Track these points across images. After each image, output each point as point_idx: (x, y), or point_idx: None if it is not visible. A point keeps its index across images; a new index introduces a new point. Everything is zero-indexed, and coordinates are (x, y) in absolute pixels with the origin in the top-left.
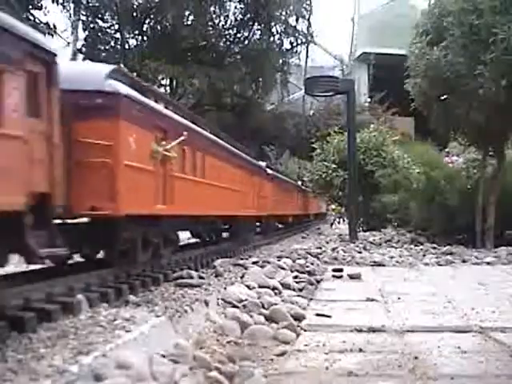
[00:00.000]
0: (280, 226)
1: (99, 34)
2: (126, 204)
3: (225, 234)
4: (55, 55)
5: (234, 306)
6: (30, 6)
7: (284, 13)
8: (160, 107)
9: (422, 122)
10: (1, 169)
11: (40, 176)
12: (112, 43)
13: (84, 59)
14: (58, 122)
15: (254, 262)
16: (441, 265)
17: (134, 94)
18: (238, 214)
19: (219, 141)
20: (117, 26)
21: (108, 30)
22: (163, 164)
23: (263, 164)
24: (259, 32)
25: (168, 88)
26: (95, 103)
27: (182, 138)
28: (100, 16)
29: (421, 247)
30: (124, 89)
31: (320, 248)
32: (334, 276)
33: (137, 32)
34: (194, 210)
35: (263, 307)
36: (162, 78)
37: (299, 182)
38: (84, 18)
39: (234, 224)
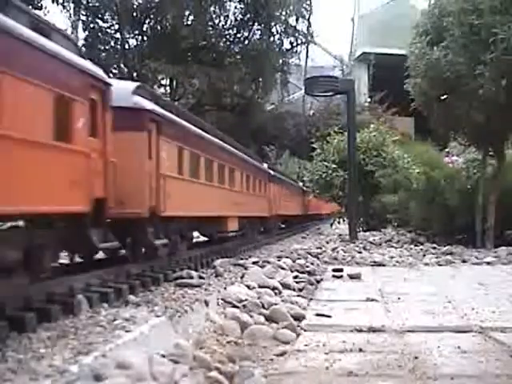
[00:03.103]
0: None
1: (99, 34)
2: None
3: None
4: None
5: (234, 306)
6: (30, 6)
7: (284, 13)
8: None
9: (422, 122)
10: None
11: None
12: (112, 43)
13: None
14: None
15: (254, 262)
16: (441, 265)
17: None
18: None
19: None
20: (117, 26)
21: (108, 30)
22: None
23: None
24: (259, 32)
25: (168, 88)
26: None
27: None
28: (100, 16)
29: (421, 247)
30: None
31: (320, 248)
32: (334, 276)
33: (137, 32)
34: None
35: (263, 307)
36: (162, 78)
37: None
38: (84, 18)
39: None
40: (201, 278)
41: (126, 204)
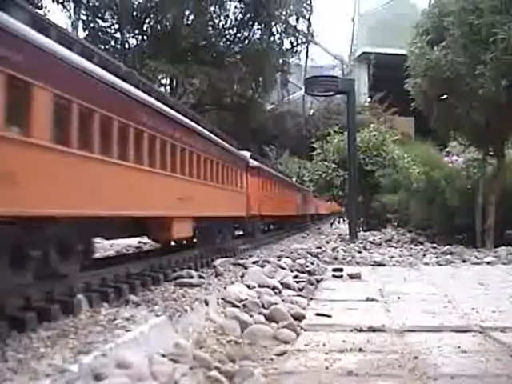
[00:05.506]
0: None
1: (99, 33)
2: None
3: None
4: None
5: (234, 306)
6: (30, 6)
7: (284, 12)
8: None
9: (422, 122)
10: None
11: None
12: (112, 43)
13: None
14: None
15: (254, 262)
16: (441, 264)
17: None
18: None
19: None
20: (117, 26)
21: (108, 30)
22: None
23: None
24: (259, 32)
25: (168, 88)
26: None
27: None
28: (100, 16)
29: (421, 247)
30: None
31: (320, 248)
32: (334, 276)
33: (137, 32)
34: None
35: (263, 307)
36: (162, 78)
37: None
38: (84, 17)
39: None
40: (201, 277)
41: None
